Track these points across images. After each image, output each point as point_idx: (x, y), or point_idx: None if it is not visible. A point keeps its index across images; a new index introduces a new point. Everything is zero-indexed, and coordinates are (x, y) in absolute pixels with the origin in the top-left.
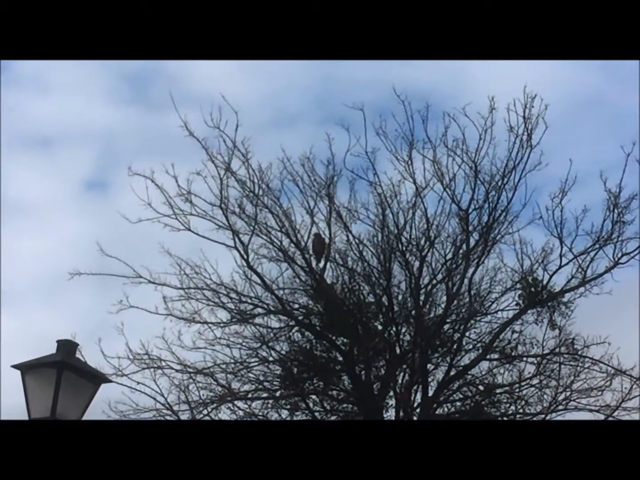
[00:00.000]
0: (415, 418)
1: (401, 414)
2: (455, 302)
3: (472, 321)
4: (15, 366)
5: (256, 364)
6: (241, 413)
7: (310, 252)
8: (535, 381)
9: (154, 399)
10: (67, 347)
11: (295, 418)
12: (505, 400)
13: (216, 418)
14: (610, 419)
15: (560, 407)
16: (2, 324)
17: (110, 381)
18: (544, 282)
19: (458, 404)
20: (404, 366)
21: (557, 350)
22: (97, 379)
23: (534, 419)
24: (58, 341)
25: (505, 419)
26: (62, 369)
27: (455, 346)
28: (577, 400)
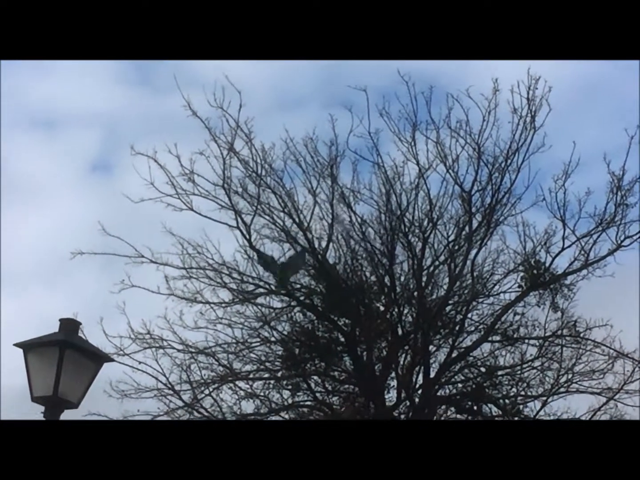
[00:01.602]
0: (411, 415)
1: (402, 395)
2: (457, 283)
3: (474, 303)
4: (17, 345)
5: (258, 344)
6: (242, 393)
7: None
8: (537, 363)
9: (156, 378)
10: (69, 326)
11: (296, 398)
12: (506, 382)
13: (217, 398)
14: (611, 404)
15: (562, 389)
16: (3, 303)
17: (112, 360)
18: (547, 265)
19: (459, 385)
20: (406, 347)
21: (559, 332)
22: (99, 358)
23: (536, 401)
24: (60, 320)
25: (506, 401)
26: (65, 348)
27: (457, 328)
28: (579, 383)
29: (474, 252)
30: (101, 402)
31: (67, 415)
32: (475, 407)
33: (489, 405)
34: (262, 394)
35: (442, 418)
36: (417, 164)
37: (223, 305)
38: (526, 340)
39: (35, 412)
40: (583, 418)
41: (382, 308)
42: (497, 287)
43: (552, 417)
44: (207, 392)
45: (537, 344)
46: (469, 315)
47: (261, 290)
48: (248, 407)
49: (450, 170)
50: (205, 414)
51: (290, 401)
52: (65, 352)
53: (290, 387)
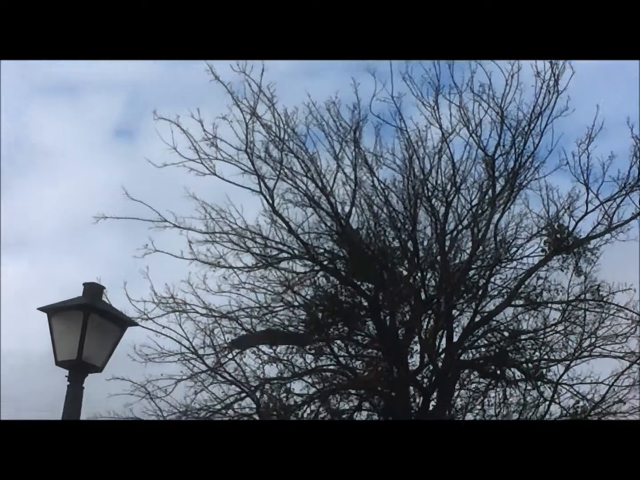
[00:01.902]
0: (434, 379)
1: (425, 359)
2: (480, 248)
3: (498, 267)
4: (41, 309)
5: (281, 308)
6: (265, 357)
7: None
8: (560, 327)
9: (179, 342)
10: (93, 290)
11: (319, 363)
12: (529, 347)
13: (241, 362)
14: (634, 368)
15: (585, 353)
16: (28, 268)
17: (136, 324)
18: (570, 229)
19: (482, 349)
20: (429, 312)
21: (582, 296)
22: (123, 322)
23: (559, 365)
24: (84, 284)
25: (530, 365)
26: (89, 312)
27: (480, 292)
28: (602, 347)
29: (497, 216)
30: (125, 366)
31: (91, 379)
32: (498, 372)
33: (512, 369)
34: (285, 358)
35: (465, 382)
36: (440, 128)
37: (246, 269)
38: (549, 305)
39: (60, 376)
40: (606, 382)
41: (405, 273)
42: (520, 251)
43: (575, 382)
44: (230, 356)
45: (561, 308)
46: (492, 279)
47: (284, 254)
48: (271, 371)
49: (473, 135)
50: (229, 378)
51: (313, 365)
52: (89, 316)
53: (313, 351)
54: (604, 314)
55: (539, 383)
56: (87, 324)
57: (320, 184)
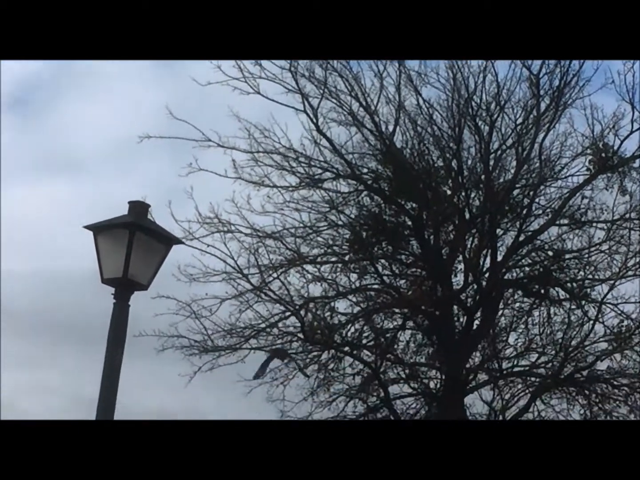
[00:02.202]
0: (478, 298)
1: (469, 278)
2: (525, 167)
3: (542, 186)
4: (87, 227)
5: (325, 228)
6: (310, 277)
7: None
8: (604, 247)
9: (224, 261)
10: (138, 209)
11: (363, 282)
12: (574, 266)
13: (285, 281)
14: None
15: (630, 272)
16: (74, 187)
17: (181, 242)
18: (615, 148)
19: (527, 269)
20: (473, 231)
21: (627, 216)
22: (168, 240)
23: (603, 285)
24: (130, 203)
25: (574, 284)
26: (134, 230)
27: (524, 211)
28: None
29: (541, 135)
30: (170, 285)
31: (137, 297)
32: (542, 291)
33: (556, 288)
34: (329, 277)
35: (509, 301)
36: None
37: (290, 189)
38: (594, 224)
39: (106, 294)
40: None
41: (449, 192)
42: (564, 170)
43: (619, 301)
44: (274, 275)
45: (605, 227)
46: (537, 199)
47: (328, 174)
48: (315, 290)
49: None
50: (273, 297)
51: (357, 284)
52: (134, 234)
53: (357, 270)
54: None
55: (583, 302)
56: (133, 242)
57: (364, 103)
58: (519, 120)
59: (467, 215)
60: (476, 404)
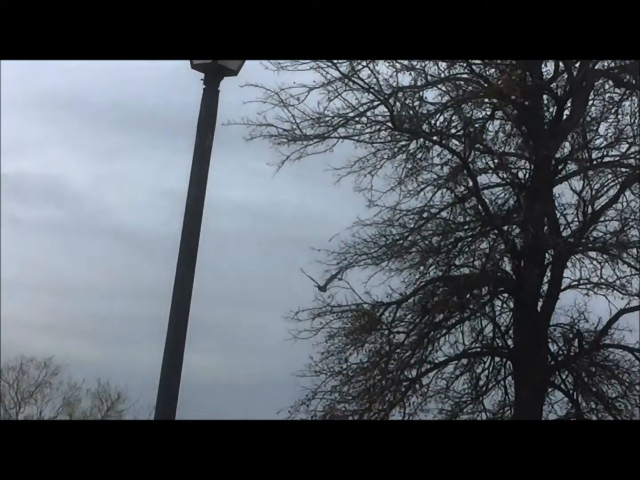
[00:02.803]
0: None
1: (560, 67)
2: None
3: None
4: None
5: None
6: (399, 66)
7: None
8: None
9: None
10: None
11: (452, 71)
12: None
13: (374, 70)
14: None
15: None
16: None
17: None
18: None
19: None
20: None
21: None
22: None
23: None
24: None
25: None
26: None
27: None
28: None
29: None
30: (259, 73)
31: (226, 83)
32: (633, 81)
33: None
34: (418, 66)
35: (600, 92)
36: None
37: None
38: None
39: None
40: None
41: None
42: None
43: None
44: (363, 64)
45: None
46: None
47: None
48: (404, 79)
49: None
50: (362, 85)
51: (446, 74)
52: None
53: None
54: None
55: None
56: None
57: None
58: None
59: None
60: (565, 194)
